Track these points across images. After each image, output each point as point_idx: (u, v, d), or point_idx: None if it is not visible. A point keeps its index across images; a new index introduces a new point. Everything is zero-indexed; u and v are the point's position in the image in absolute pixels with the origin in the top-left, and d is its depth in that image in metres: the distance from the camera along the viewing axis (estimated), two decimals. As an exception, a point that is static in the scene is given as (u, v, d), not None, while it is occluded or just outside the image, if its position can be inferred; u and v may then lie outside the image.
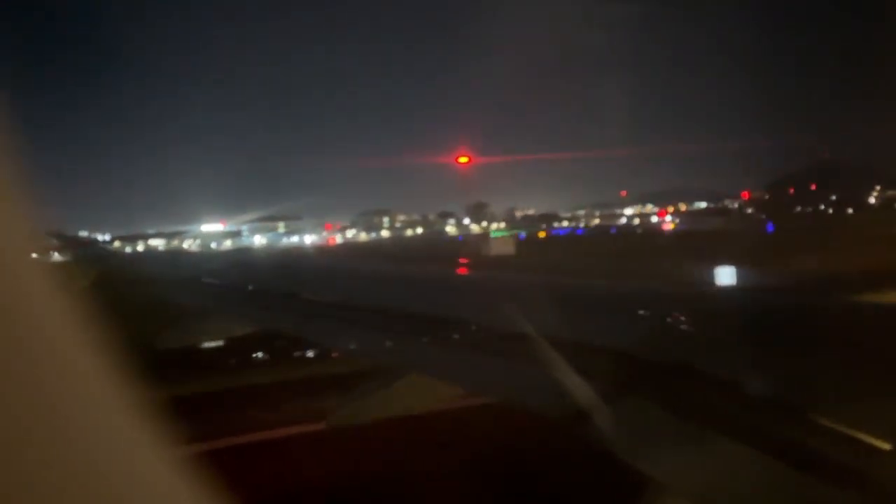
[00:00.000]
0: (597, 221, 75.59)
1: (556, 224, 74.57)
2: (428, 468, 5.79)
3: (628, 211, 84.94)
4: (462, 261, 25.16)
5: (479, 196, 76.97)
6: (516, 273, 15.95)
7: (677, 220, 66.23)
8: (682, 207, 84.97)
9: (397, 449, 6.04)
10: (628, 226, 70.74)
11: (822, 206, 66.63)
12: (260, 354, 9.86)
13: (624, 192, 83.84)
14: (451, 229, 72.14)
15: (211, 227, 63.49)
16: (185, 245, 57.05)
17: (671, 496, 2.61)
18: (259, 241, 63.32)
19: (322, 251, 52.93)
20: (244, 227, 65.23)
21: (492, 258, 30.55)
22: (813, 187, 78.38)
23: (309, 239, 65.49)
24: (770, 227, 45.61)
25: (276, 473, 6.06)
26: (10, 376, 0.99)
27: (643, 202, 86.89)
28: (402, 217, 76.90)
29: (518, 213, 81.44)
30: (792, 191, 76.00)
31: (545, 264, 24.55)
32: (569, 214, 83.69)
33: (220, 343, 9.06)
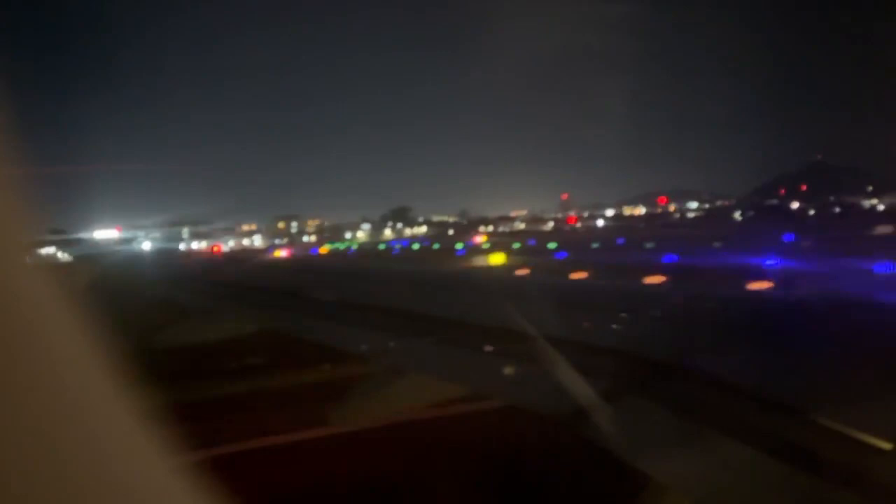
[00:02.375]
0: (522, 227, 68.94)
1: (481, 228, 68.86)
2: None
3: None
4: None
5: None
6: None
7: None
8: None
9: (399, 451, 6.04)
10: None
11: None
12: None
13: (565, 195, 76.45)
14: (361, 235, 69.17)
15: (105, 233, 64.17)
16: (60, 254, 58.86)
17: (671, 495, 2.67)
18: (146, 247, 63.75)
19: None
20: (140, 233, 65.47)
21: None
22: (803, 188, 74.19)
23: (196, 246, 65.29)
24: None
25: (278, 480, 5.83)
26: (10, 376, 0.97)
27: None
28: (325, 223, 73.72)
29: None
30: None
31: None
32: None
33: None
